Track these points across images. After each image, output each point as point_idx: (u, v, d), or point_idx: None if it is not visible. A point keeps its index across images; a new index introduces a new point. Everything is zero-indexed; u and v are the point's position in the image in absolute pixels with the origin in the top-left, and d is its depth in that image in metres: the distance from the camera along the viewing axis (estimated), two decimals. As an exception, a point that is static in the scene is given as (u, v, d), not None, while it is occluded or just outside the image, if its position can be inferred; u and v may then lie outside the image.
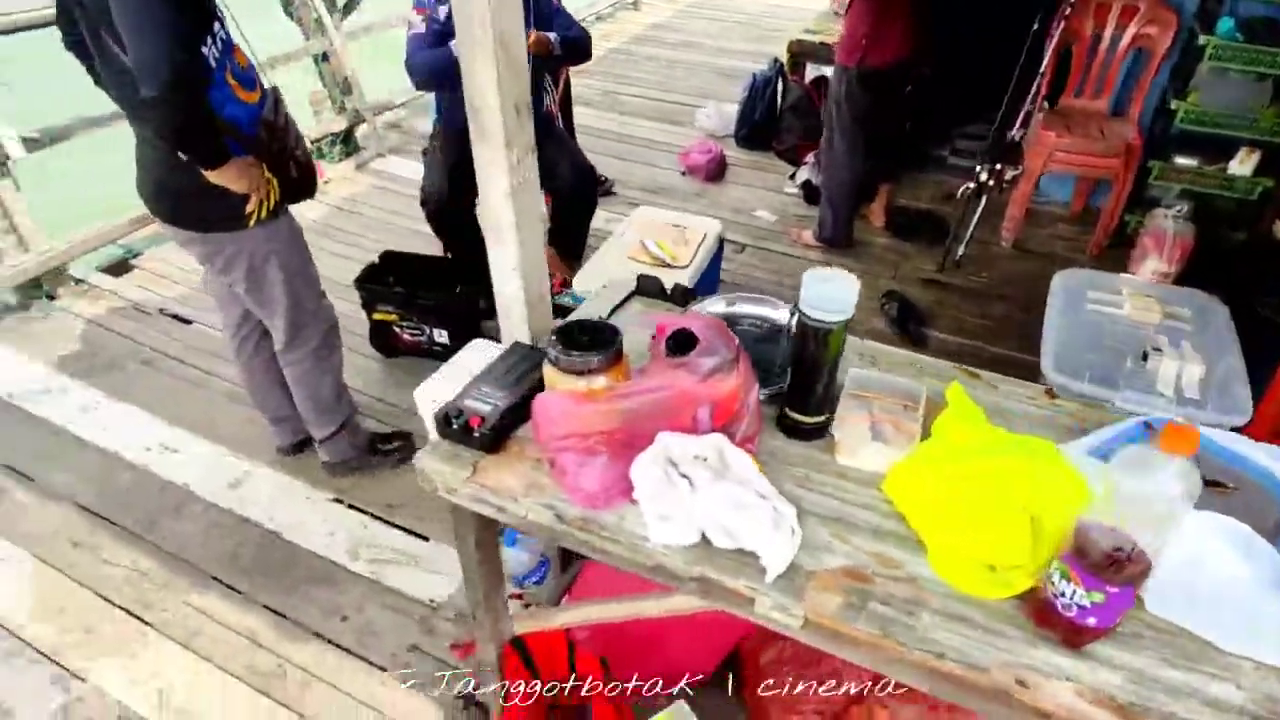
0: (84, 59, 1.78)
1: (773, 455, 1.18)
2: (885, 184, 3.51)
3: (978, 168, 3.16)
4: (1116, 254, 3.32)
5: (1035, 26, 3.06)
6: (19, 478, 2.28)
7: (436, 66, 2.59)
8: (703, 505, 1.03)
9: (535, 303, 1.42)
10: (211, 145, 1.57)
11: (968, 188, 3.21)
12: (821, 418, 1.21)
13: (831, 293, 1.09)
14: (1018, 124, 3.14)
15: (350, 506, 2.20)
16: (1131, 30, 3.16)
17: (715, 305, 1.43)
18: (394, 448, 2.32)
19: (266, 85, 1.82)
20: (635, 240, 2.64)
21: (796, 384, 1.18)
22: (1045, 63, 3.05)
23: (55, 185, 3.04)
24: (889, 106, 3.11)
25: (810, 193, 3.76)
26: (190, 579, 1.99)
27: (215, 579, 1.99)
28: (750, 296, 1.42)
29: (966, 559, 1.00)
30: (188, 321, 2.97)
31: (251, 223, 1.75)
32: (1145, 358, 2.10)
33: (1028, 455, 1.08)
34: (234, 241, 1.77)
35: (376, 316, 2.67)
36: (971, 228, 3.26)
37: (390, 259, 2.76)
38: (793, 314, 1.15)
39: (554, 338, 1.13)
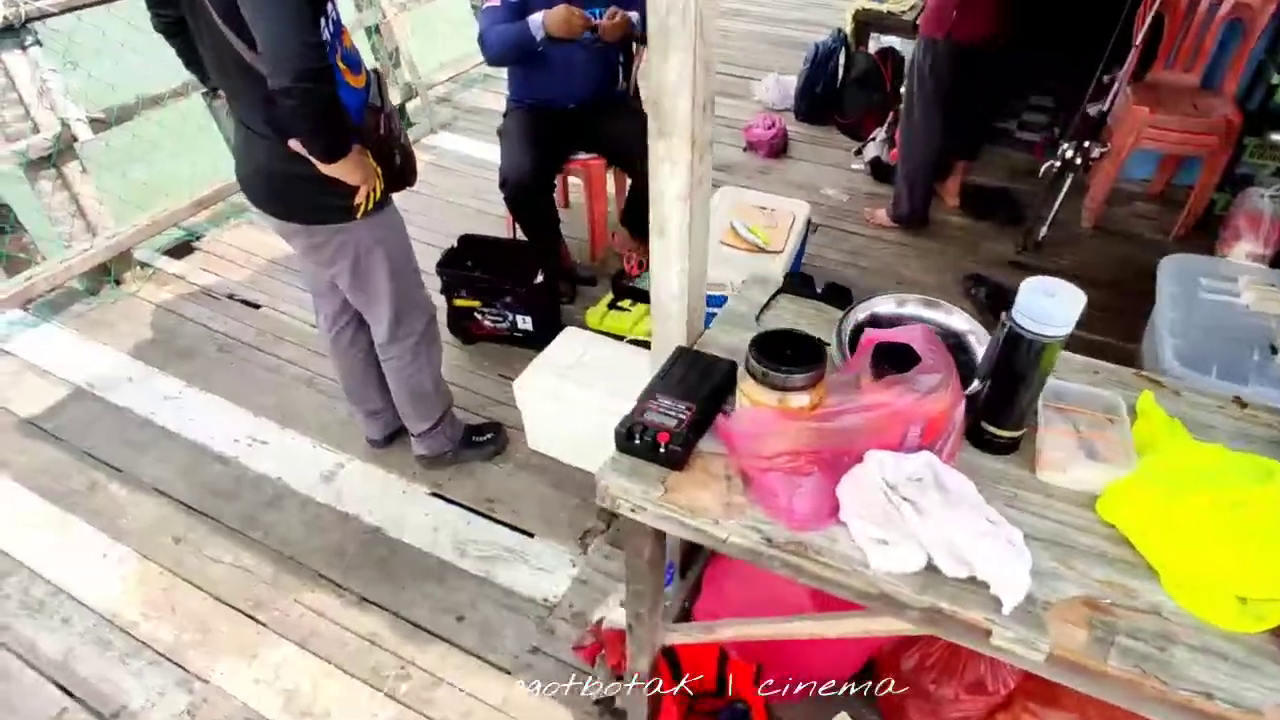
0: (177, 42, 1.71)
1: (971, 471, 1.12)
2: (962, 161, 3.39)
3: (1063, 145, 3.05)
4: (1203, 235, 3.24)
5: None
6: (110, 470, 2.25)
7: (514, 42, 2.48)
8: (931, 531, 0.97)
9: (696, 306, 1.35)
10: (339, 136, 1.50)
11: (1052, 166, 3.10)
12: (1019, 432, 1.15)
13: (1054, 308, 1.03)
14: (1109, 99, 3.03)
15: (450, 501, 2.16)
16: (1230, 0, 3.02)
17: (883, 306, 1.36)
18: (487, 439, 2.27)
19: (367, 67, 1.74)
20: (725, 223, 2.56)
21: (998, 396, 1.12)
22: (1140, 34, 2.92)
23: (115, 165, 2.96)
24: (973, 81, 3.00)
25: (879, 170, 3.66)
26: (297, 577, 1.96)
27: (323, 577, 1.96)
28: (920, 299, 1.35)
29: (1213, 589, 0.95)
30: (256, 306, 2.92)
31: (359, 214, 1.68)
32: (1275, 350, 2.03)
33: (1264, 477, 1.02)
34: (340, 233, 1.70)
35: (457, 303, 2.61)
36: (1055, 208, 3.16)
37: (468, 243, 2.68)
38: (1001, 325, 1.08)
39: (754, 350, 1.07)
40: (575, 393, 2.10)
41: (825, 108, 4.07)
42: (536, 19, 2.41)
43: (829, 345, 1.30)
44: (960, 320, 1.32)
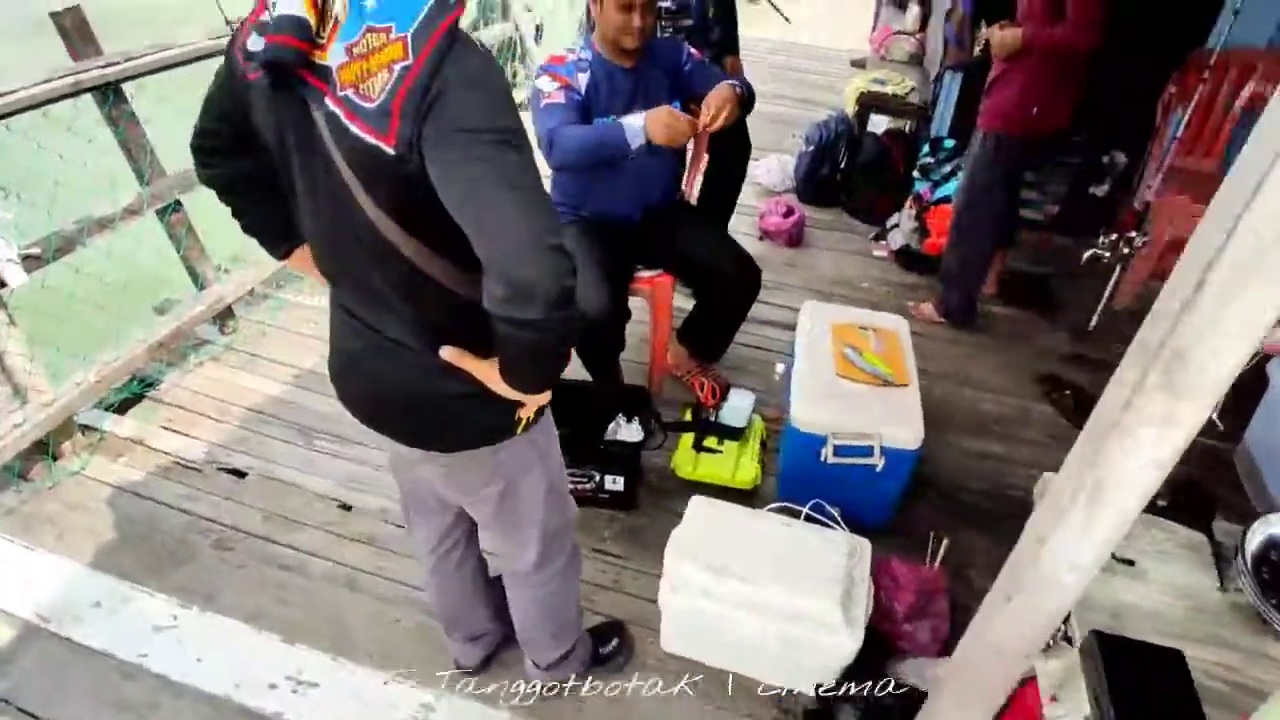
0: (239, 199, 1.24)
1: None
2: (1002, 249, 3.29)
3: (1114, 237, 3.00)
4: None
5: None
6: (97, 756, 1.63)
7: (598, 147, 2.06)
8: None
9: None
10: (563, 364, 1.08)
11: (1101, 256, 3.04)
12: None
13: None
14: (1151, 187, 3.01)
15: (589, 746, 1.70)
16: (1248, 90, 3.09)
17: (1293, 539, 1.08)
18: (614, 648, 1.83)
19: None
20: (832, 350, 2.26)
21: None
22: (1180, 125, 2.92)
23: (39, 297, 2.29)
24: (1028, 167, 2.92)
25: (909, 259, 3.51)
26: None
27: None
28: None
29: None
30: (241, 474, 2.32)
31: (520, 429, 1.25)
32: None
33: None
34: (496, 454, 1.25)
35: (531, 464, 2.15)
36: (1106, 298, 3.10)
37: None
38: None
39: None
40: (742, 590, 1.70)
41: (831, 190, 3.92)
42: (635, 124, 2.01)
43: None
44: None
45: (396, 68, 0.87)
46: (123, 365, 2.38)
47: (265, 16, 0.89)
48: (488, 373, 1.09)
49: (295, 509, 2.21)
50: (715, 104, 2.04)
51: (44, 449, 2.21)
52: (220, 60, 1.08)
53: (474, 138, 0.88)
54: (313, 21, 0.87)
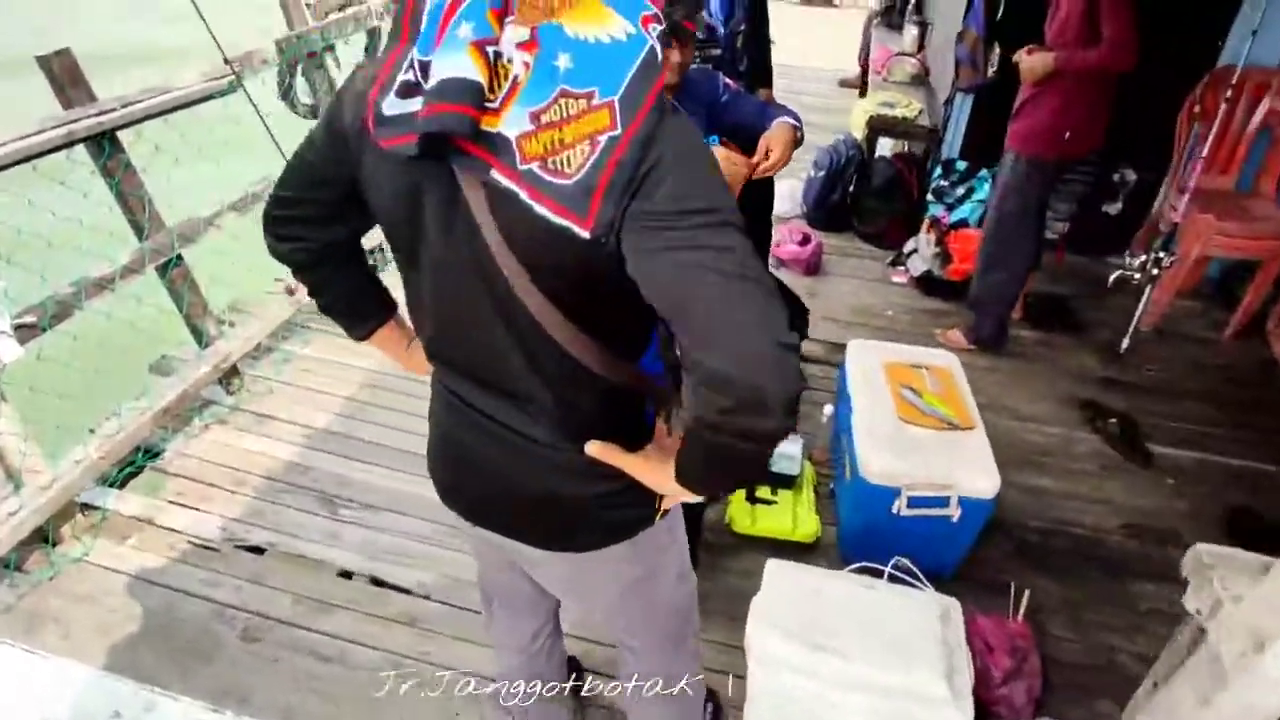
0: (320, 274, 1.09)
1: None
2: (1032, 271, 3.23)
3: (1144, 257, 2.96)
4: (1250, 332, 3.26)
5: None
6: None
7: None
8: None
9: None
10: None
11: (1130, 277, 3.01)
12: None
13: None
14: (1176, 208, 2.98)
15: None
16: (1264, 107, 3.09)
17: None
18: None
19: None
20: (890, 392, 2.16)
21: None
22: (1207, 145, 2.90)
23: (32, 366, 2.09)
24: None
25: (930, 285, 3.43)
26: None
27: None
28: None
29: None
30: (259, 550, 2.14)
31: (659, 517, 1.11)
32: None
33: None
34: (631, 547, 1.10)
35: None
36: (1137, 318, 3.06)
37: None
38: None
39: None
40: (834, 665, 1.57)
41: (843, 215, 3.85)
42: None
43: None
44: None
45: (602, 139, 0.73)
46: (126, 437, 2.18)
47: (408, 76, 0.76)
48: (644, 469, 0.95)
49: (325, 589, 2.03)
50: (777, 148, 1.91)
51: (42, 535, 2.00)
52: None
53: (694, 220, 0.74)
54: (485, 83, 0.73)
